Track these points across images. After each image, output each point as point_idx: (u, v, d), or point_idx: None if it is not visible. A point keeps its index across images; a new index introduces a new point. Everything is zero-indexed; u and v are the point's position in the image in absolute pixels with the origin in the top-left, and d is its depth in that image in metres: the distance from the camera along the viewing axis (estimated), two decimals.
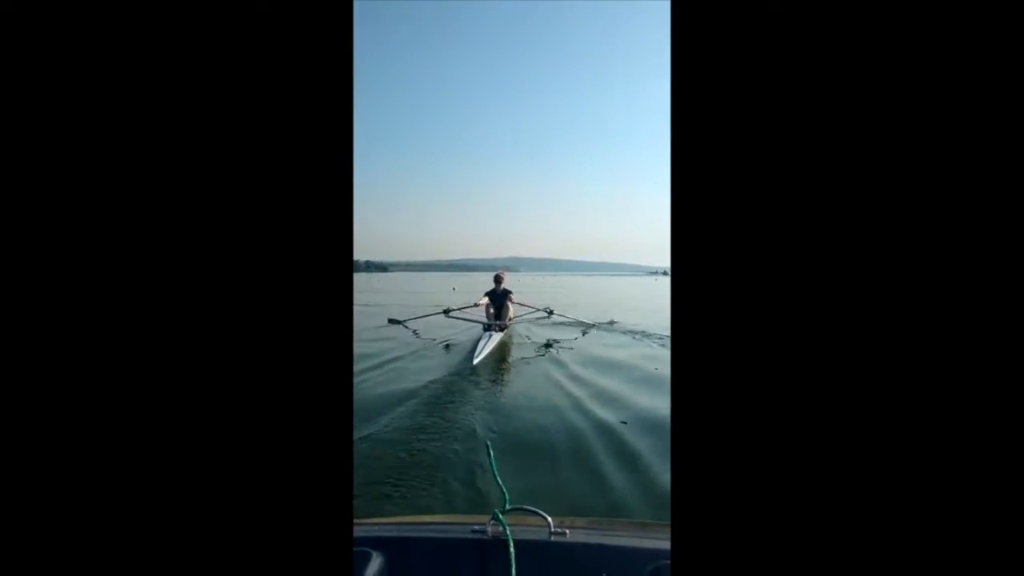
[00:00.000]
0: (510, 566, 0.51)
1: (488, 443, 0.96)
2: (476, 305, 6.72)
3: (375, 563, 0.53)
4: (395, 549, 0.56)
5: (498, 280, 6.82)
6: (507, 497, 0.68)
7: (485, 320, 6.41)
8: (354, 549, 0.53)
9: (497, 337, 5.80)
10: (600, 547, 0.57)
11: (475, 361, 4.66)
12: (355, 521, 0.63)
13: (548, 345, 5.51)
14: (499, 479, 0.80)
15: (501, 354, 5.28)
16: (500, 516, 0.60)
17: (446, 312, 6.95)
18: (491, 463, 0.85)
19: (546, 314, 7.45)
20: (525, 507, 0.64)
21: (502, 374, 4.34)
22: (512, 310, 6.74)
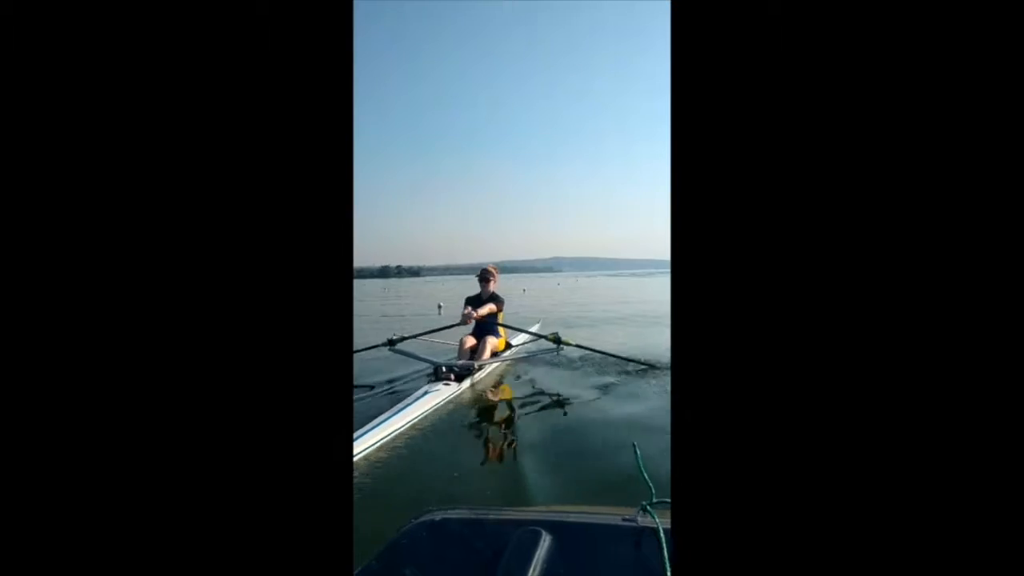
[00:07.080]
0: (663, 550, 0.60)
1: (635, 443, 1.15)
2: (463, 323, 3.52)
3: (545, 540, 0.63)
4: (562, 530, 0.65)
5: (485, 279, 3.74)
6: (653, 490, 0.76)
7: (441, 359, 3.30)
8: (526, 528, 0.64)
9: (434, 398, 2.57)
10: None
11: None
12: (524, 508, 0.82)
13: None
14: (646, 475, 0.87)
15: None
16: (648, 508, 0.70)
17: (391, 343, 3.53)
18: (638, 461, 0.96)
19: (553, 344, 3.45)
20: (668, 500, 0.70)
21: None
22: (499, 339, 3.59)
